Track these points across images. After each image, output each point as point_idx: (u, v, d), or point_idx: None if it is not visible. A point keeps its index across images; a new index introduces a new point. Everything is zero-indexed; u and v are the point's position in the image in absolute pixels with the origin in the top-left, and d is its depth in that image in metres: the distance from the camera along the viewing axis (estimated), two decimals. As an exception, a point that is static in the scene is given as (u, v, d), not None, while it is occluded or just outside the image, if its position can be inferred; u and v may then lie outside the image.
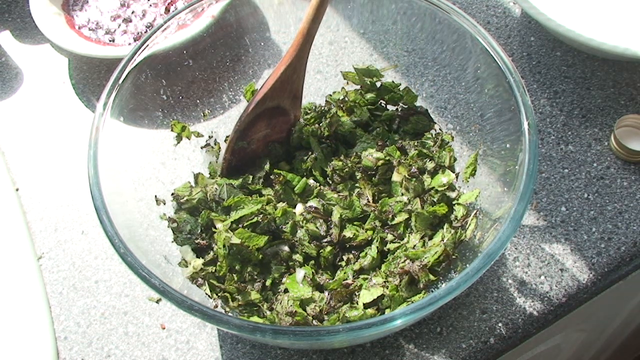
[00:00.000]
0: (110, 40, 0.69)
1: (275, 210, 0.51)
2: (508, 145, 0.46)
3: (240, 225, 0.49)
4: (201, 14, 0.53)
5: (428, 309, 0.37)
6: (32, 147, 0.65)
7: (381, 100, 0.57)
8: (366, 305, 0.47)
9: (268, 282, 0.49)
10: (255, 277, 0.49)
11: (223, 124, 0.58)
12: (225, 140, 0.57)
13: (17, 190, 0.61)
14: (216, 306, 0.47)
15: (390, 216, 0.51)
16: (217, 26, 0.56)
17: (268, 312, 0.47)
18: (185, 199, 0.52)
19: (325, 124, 0.56)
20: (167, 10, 0.71)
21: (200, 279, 0.48)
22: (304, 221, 0.51)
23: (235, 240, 0.48)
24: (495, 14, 0.71)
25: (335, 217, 0.51)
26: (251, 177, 0.54)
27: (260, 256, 0.49)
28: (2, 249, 0.57)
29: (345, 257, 0.51)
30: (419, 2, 0.51)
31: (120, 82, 0.46)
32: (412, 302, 0.44)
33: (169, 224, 0.50)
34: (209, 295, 0.48)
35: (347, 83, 0.59)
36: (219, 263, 0.49)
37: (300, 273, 0.49)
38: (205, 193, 0.52)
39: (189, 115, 0.56)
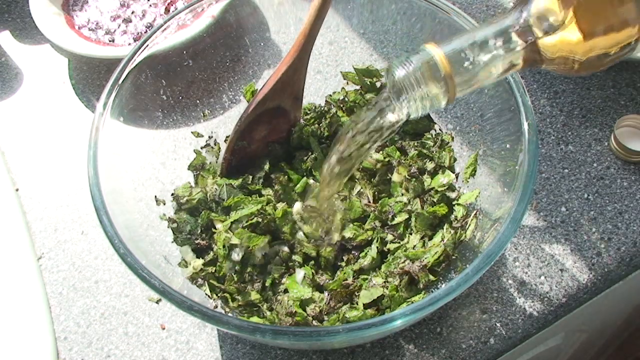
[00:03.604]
0: (110, 41, 0.69)
1: (275, 210, 0.51)
2: (508, 146, 0.46)
3: (240, 226, 0.49)
4: (201, 14, 0.53)
5: (428, 309, 0.37)
6: (32, 147, 0.65)
7: (381, 101, 0.57)
8: (366, 306, 0.47)
9: (268, 282, 0.49)
10: (255, 277, 0.49)
11: (223, 124, 0.58)
12: (225, 140, 0.57)
13: (17, 190, 0.61)
14: (216, 306, 0.47)
15: (390, 216, 0.51)
16: (217, 26, 0.56)
17: (268, 313, 0.47)
18: (185, 199, 0.52)
19: (325, 124, 0.56)
20: (167, 10, 0.71)
21: (200, 280, 0.48)
22: (301, 220, 0.51)
23: (235, 240, 0.48)
24: (495, 14, 0.71)
25: (336, 219, 0.51)
26: (251, 177, 0.54)
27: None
28: (2, 249, 0.57)
29: (345, 257, 0.51)
30: (419, 2, 0.50)
31: (120, 82, 0.46)
32: (412, 303, 0.44)
33: (169, 224, 0.50)
34: (209, 296, 0.48)
35: (347, 83, 0.59)
36: (218, 263, 0.49)
37: (300, 274, 0.49)
38: (205, 193, 0.52)
39: (189, 115, 0.56)
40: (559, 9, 0.34)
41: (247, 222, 0.49)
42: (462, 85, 0.36)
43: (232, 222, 0.50)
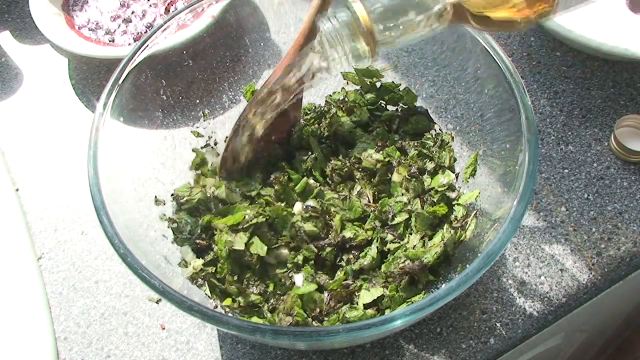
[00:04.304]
0: (110, 41, 0.69)
1: (279, 209, 0.51)
2: (508, 146, 0.46)
3: (240, 227, 0.49)
4: (201, 14, 0.53)
5: (428, 309, 0.37)
6: (32, 147, 0.65)
7: (381, 101, 0.57)
8: (366, 306, 0.47)
9: (271, 287, 0.49)
10: (255, 281, 0.49)
11: (223, 124, 0.58)
12: (225, 140, 0.57)
13: (17, 190, 0.61)
14: (216, 306, 0.47)
15: (390, 216, 0.51)
16: (217, 26, 0.56)
17: (269, 314, 0.47)
18: (185, 199, 0.52)
19: (325, 124, 0.56)
20: (167, 10, 0.71)
21: (200, 280, 0.48)
22: (302, 221, 0.51)
23: (239, 246, 0.48)
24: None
25: (336, 220, 0.51)
26: (250, 177, 0.54)
27: (259, 264, 0.49)
28: (2, 249, 0.57)
29: (345, 257, 0.51)
30: (419, 2, 0.50)
31: (120, 82, 0.46)
32: (412, 303, 0.44)
33: (169, 224, 0.50)
34: (208, 296, 0.48)
35: (347, 83, 0.59)
36: (219, 264, 0.49)
37: (299, 279, 0.49)
38: (205, 193, 0.52)
39: (189, 115, 0.56)
40: None
41: (247, 224, 0.49)
42: (386, 40, 0.37)
43: (232, 224, 0.50)
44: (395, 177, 0.52)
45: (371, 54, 0.37)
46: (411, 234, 0.50)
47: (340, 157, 0.54)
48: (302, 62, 0.42)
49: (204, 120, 0.57)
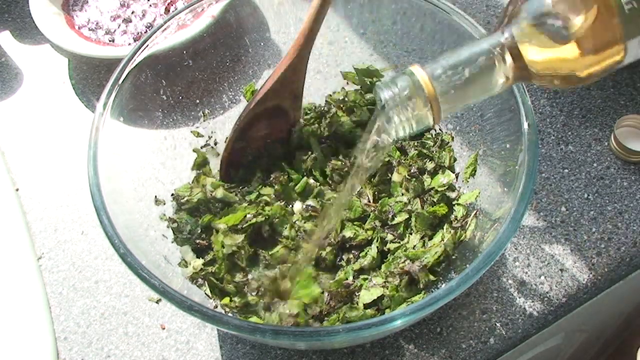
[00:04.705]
0: (110, 41, 0.69)
1: (279, 210, 0.51)
2: (508, 145, 0.46)
3: (240, 227, 0.49)
4: (201, 14, 0.53)
5: (428, 309, 0.37)
6: (32, 147, 0.65)
7: (381, 101, 0.57)
8: (366, 306, 0.47)
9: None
10: (255, 282, 0.49)
11: (223, 124, 0.58)
12: (225, 141, 0.57)
13: (17, 190, 0.61)
14: (216, 306, 0.47)
15: (390, 216, 0.51)
16: (217, 26, 0.56)
17: (268, 314, 0.47)
18: (185, 199, 0.52)
19: (325, 124, 0.56)
20: (167, 10, 0.71)
21: (200, 280, 0.48)
22: (302, 220, 0.51)
23: (233, 245, 0.48)
24: (495, 14, 0.71)
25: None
26: (250, 177, 0.54)
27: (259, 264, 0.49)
28: (2, 249, 0.57)
29: (345, 257, 0.51)
30: (419, 2, 0.51)
31: (120, 82, 0.46)
32: (412, 303, 0.44)
33: (169, 224, 0.50)
34: (208, 296, 0.48)
35: (347, 83, 0.59)
36: (217, 265, 0.49)
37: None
38: (205, 193, 0.52)
39: (189, 115, 0.56)
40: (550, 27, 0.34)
41: (247, 223, 0.49)
42: (449, 105, 0.36)
43: (232, 224, 0.50)
44: (395, 177, 0.52)
45: (435, 120, 0.36)
46: (411, 234, 0.50)
47: (340, 157, 0.55)
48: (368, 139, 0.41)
49: (204, 120, 0.57)
